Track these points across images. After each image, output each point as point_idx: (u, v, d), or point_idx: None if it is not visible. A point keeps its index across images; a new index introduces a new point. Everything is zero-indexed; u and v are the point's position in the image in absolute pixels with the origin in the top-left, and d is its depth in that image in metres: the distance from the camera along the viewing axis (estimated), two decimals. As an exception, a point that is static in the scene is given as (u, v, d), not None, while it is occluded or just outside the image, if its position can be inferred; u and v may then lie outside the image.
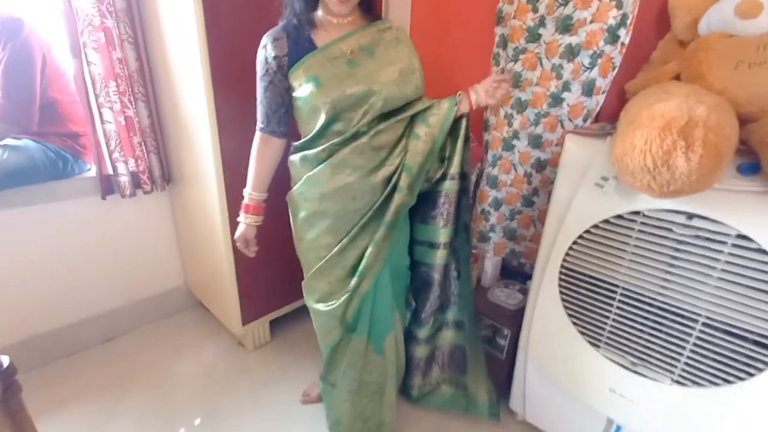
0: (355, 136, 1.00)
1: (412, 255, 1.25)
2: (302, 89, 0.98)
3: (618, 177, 0.84)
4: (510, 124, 1.38)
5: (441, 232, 1.16)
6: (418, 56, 1.06)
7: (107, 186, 1.57)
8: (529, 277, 1.51)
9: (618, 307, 1.00)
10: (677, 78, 0.93)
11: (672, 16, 0.99)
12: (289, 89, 1.03)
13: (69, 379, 1.56)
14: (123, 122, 1.53)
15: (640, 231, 0.92)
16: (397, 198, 1.04)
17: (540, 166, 1.37)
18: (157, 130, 1.63)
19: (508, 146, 1.41)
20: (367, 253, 1.09)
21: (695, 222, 0.85)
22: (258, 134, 1.11)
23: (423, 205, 1.18)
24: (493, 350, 1.41)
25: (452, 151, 1.11)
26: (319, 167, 1.03)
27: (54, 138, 1.48)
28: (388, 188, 1.05)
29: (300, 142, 1.07)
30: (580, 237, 1.01)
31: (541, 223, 1.42)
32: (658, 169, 0.74)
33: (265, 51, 0.99)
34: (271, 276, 1.67)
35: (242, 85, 1.36)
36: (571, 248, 1.03)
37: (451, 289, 1.27)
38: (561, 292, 1.09)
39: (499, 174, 1.45)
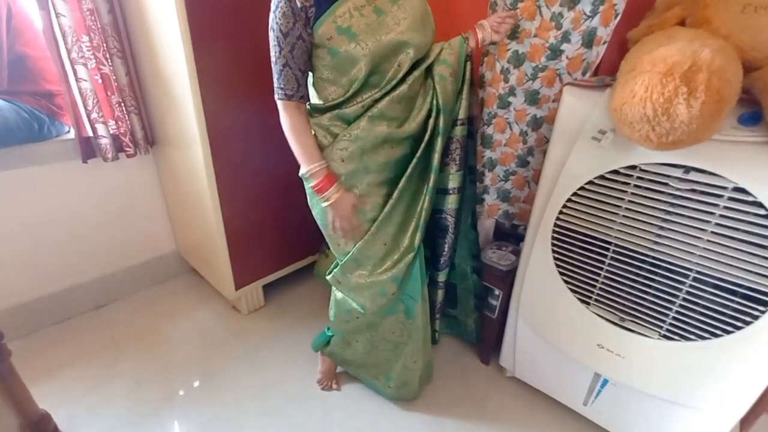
0: (395, 87, 0.98)
1: None
2: (334, 42, 0.90)
3: (616, 129, 0.81)
4: (506, 80, 1.32)
5: (454, 177, 1.18)
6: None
7: (88, 149, 1.52)
8: (522, 238, 1.50)
9: (610, 264, 1.00)
10: (682, 24, 0.87)
11: (679, -44, 0.92)
12: (313, 45, 0.93)
13: (62, 344, 1.57)
14: (99, 80, 1.46)
15: (636, 186, 0.90)
16: (439, 142, 1.06)
17: (536, 123, 1.33)
18: (137, 89, 1.55)
19: (504, 103, 1.36)
20: (426, 204, 1.10)
21: (692, 175, 0.82)
22: (288, 105, 0.95)
23: None
24: (484, 310, 1.42)
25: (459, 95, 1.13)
26: (356, 121, 0.99)
27: (27, 97, 1.40)
28: (428, 133, 1.05)
29: (332, 102, 0.98)
30: (575, 194, 0.98)
31: (536, 184, 1.39)
32: (658, 118, 0.70)
33: (290, 2, 0.85)
34: (263, 241, 1.65)
35: (224, 36, 1.29)
36: (564, 206, 1.01)
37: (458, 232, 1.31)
38: (553, 251, 1.08)
39: (494, 133, 1.40)
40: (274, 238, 1.70)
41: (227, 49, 1.31)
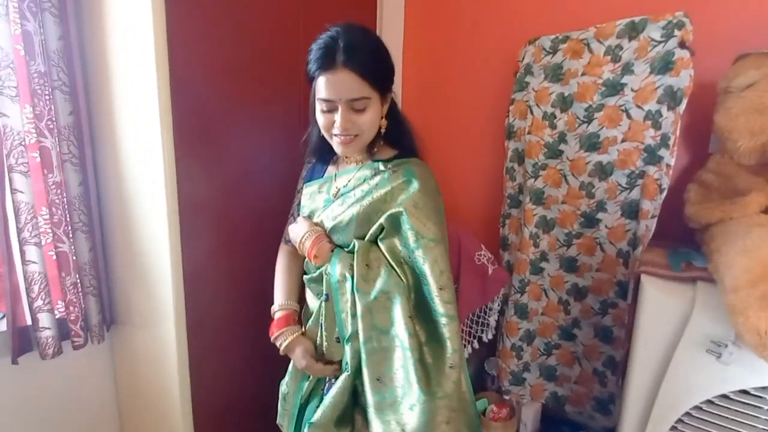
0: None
1: None
2: None
3: (758, 354, 0.63)
4: (536, 245, 1.20)
5: None
6: (407, 210, 0.73)
7: (22, 344, 1.17)
8: (578, 427, 1.23)
9: None
10: (766, 211, 0.79)
11: (725, 139, 0.89)
12: None
13: None
14: (54, 257, 1.19)
15: (772, 410, 0.70)
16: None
17: (579, 293, 1.17)
18: (101, 266, 1.29)
19: (536, 269, 1.22)
20: None
21: None
22: (281, 247, 0.98)
23: None
24: None
25: None
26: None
27: (-51, 287, 1.10)
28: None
29: None
30: (687, 414, 0.76)
31: (588, 361, 1.18)
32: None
33: (304, 168, 0.95)
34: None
35: (214, 212, 1.13)
36: (674, 427, 0.78)
37: None
38: (664, 486, 0.81)
39: (528, 301, 1.23)
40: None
41: (217, 230, 1.14)
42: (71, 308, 1.23)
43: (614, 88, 1.03)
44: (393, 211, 0.74)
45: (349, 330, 0.74)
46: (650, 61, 0.98)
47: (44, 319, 1.18)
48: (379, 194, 0.76)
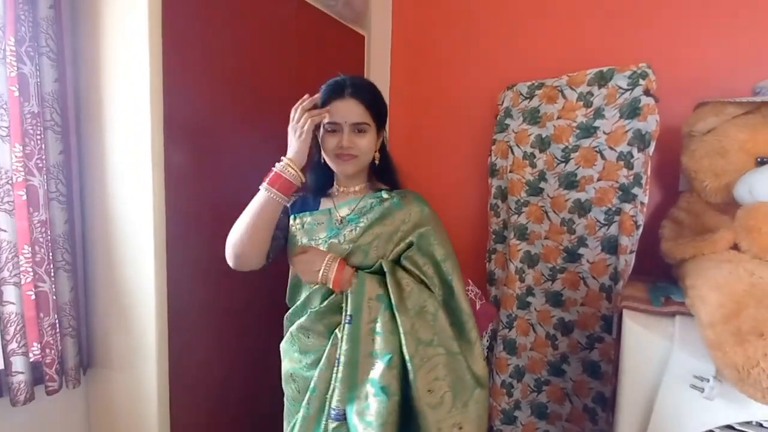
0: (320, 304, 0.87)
1: None
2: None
3: (738, 388, 0.65)
4: (522, 280, 1.23)
5: None
6: (434, 228, 0.85)
7: (-9, 389, 1.11)
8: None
9: None
10: (734, 247, 0.83)
11: (692, 179, 0.95)
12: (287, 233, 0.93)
13: None
14: (33, 297, 1.16)
15: (756, 445, 0.70)
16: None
17: (565, 328, 1.19)
18: (81, 307, 1.26)
19: (523, 304, 1.23)
20: None
21: (830, 435, 0.65)
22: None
23: None
24: None
25: None
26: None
27: None
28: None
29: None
30: (676, 451, 0.76)
31: (578, 398, 1.18)
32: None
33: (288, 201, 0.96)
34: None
35: (202, 256, 1.12)
36: (664, 466, 0.78)
37: None
38: None
39: (516, 337, 1.23)
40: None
41: (204, 263, 1.13)
42: (47, 350, 1.18)
43: (588, 130, 1.10)
44: (422, 229, 0.85)
45: (378, 348, 0.77)
46: (619, 107, 1.06)
47: (18, 363, 1.13)
48: (399, 215, 0.85)
